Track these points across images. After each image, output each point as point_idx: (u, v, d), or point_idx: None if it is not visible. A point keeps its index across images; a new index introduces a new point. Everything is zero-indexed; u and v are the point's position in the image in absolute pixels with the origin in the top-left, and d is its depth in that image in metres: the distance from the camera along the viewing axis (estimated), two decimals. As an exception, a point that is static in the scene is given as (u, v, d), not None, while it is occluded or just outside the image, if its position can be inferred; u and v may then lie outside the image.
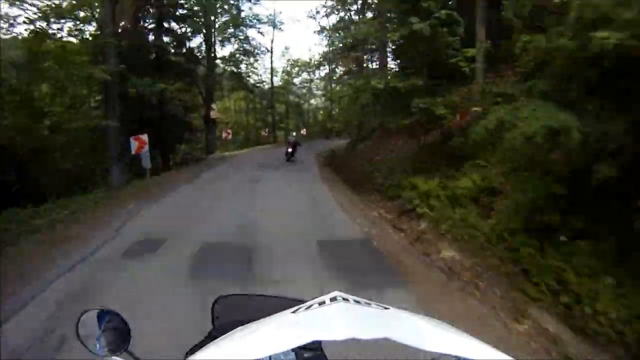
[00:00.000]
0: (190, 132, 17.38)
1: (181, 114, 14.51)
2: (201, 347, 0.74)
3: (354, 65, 15.13)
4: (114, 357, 0.87)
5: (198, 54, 26.44)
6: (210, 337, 0.90)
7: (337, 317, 0.55)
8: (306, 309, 0.60)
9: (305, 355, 0.81)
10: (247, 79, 30.17)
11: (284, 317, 0.59)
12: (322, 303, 0.60)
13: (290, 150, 14.01)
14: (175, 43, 14.97)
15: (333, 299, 0.61)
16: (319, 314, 0.58)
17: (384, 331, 0.48)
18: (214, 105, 15.86)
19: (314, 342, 0.59)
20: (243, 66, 29.47)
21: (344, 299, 0.61)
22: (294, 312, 0.60)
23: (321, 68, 34.95)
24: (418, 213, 6.25)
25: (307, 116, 39.54)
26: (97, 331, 0.88)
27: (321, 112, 42.19)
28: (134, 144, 8.59)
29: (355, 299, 0.61)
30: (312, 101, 40.82)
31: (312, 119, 40.69)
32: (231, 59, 28.79)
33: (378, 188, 8.72)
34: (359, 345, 0.59)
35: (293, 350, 0.78)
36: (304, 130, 33.83)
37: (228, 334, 0.65)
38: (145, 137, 8.72)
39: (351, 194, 8.67)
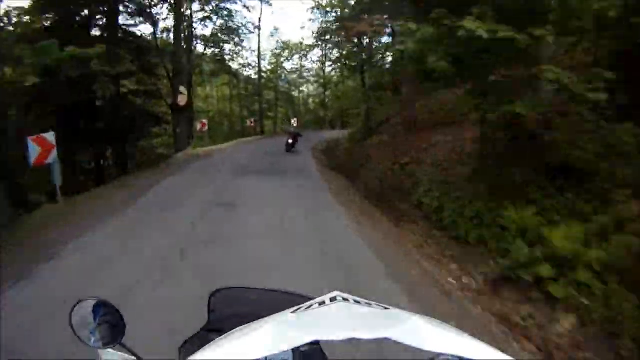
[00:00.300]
0: (157, 123, 13.94)
1: (131, 99, 11.07)
2: (194, 339, 0.87)
3: (363, 36, 11.84)
4: (108, 350, 0.86)
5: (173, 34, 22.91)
6: (205, 330, 0.91)
7: (337, 317, 0.55)
8: (306, 309, 0.60)
9: (302, 349, 0.79)
10: (232, 61, 26.62)
11: (284, 317, 0.58)
12: (322, 303, 0.60)
13: (290, 141, 13.27)
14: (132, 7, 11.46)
15: (333, 299, 0.61)
16: (319, 314, 0.58)
17: (384, 331, 0.48)
18: (183, 89, 12.36)
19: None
20: (228, 47, 25.90)
21: (344, 299, 0.61)
22: (293, 312, 0.59)
23: (314, 50, 31.52)
24: (550, 293, 3.17)
25: (298, 104, 36.24)
26: (91, 322, 0.86)
27: (311, 99, 38.93)
28: (34, 149, 5.26)
29: (355, 299, 0.61)
30: (303, 88, 37.43)
31: (303, 108, 37.42)
32: (212, 39, 25.20)
33: (427, 214, 5.64)
34: (356, 341, 0.46)
35: None
36: (295, 119, 30.61)
37: (227, 333, 0.63)
38: (50, 138, 5.37)
39: (388, 225, 5.56)
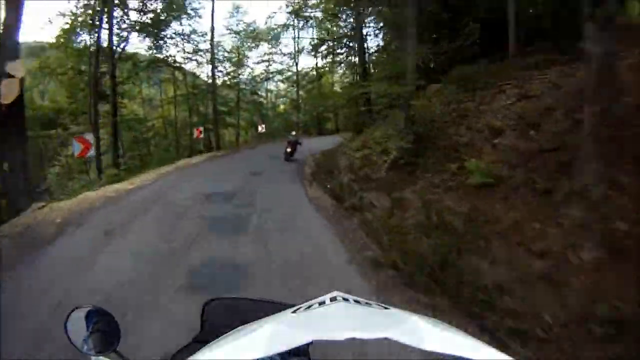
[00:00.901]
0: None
1: None
2: (185, 350, 0.84)
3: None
4: (102, 358, 0.86)
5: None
6: (196, 341, 0.90)
7: (337, 317, 0.55)
8: (306, 308, 0.59)
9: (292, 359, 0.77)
10: (175, 47, 19.70)
11: (284, 317, 0.58)
12: (322, 303, 0.60)
13: (289, 150, 12.57)
14: None
15: (333, 299, 0.61)
16: (319, 313, 0.57)
17: (384, 331, 0.47)
18: (14, 68, 5.31)
19: (300, 346, 0.53)
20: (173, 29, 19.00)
21: (344, 299, 0.61)
22: (294, 312, 0.59)
23: (286, 34, 25.05)
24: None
25: (265, 107, 29.56)
26: (87, 329, 0.87)
27: (281, 101, 32.41)
28: None
29: (355, 299, 0.61)
30: (271, 86, 30.68)
31: (272, 111, 30.72)
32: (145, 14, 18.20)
33: None
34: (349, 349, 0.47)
35: (279, 354, 0.73)
36: (262, 125, 23.97)
37: (227, 333, 0.63)
38: None
39: None
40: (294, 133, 15.33)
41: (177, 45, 19.59)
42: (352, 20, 15.34)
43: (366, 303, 0.60)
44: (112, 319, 0.89)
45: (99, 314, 0.89)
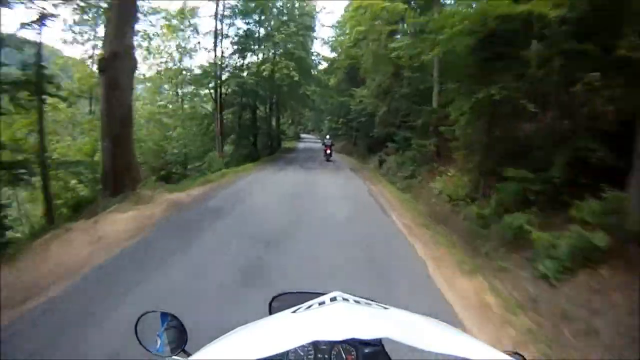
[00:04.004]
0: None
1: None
2: None
3: None
4: (174, 357, 0.86)
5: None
6: None
7: (337, 317, 0.53)
8: (306, 309, 0.58)
9: (366, 350, 0.77)
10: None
11: (284, 317, 0.58)
12: (322, 303, 0.58)
13: (328, 151, 15.82)
14: None
15: (333, 299, 0.59)
16: (319, 314, 0.56)
17: (384, 331, 0.47)
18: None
19: (374, 338, 0.55)
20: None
21: (344, 299, 0.59)
22: (294, 312, 0.58)
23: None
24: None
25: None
26: (156, 332, 0.88)
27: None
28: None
29: (355, 299, 0.59)
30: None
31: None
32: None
33: None
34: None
35: (352, 345, 0.76)
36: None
37: (228, 333, 0.63)
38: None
39: None
40: (328, 137, 17.87)
41: None
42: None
43: (366, 303, 0.58)
44: (179, 322, 0.88)
45: (168, 317, 0.88)
